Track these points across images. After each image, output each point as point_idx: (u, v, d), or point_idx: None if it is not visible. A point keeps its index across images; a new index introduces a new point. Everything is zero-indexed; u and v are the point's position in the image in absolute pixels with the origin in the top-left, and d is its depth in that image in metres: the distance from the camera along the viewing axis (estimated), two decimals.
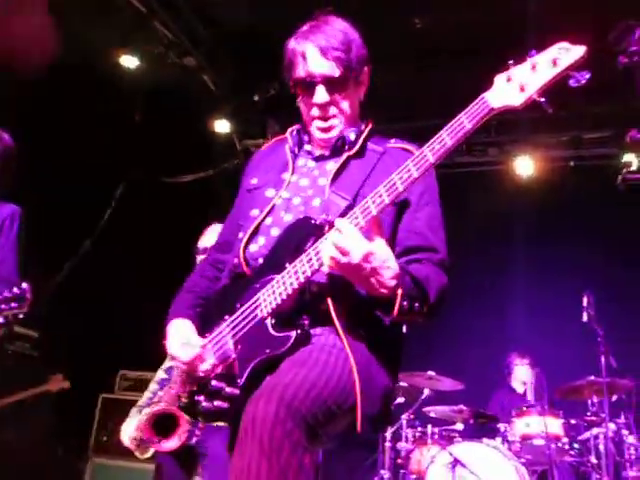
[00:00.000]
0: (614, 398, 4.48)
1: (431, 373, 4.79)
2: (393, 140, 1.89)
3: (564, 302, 4.70)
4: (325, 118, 1.83)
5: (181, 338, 1.78)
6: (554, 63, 1.42)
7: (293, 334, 1.62)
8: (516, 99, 1.47)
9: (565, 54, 1.41)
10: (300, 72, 1.81)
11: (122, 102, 5.78)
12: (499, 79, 1.51)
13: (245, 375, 1.65)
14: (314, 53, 1.78)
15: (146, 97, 5.94)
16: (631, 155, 1.57)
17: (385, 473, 4.67)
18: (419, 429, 4.75)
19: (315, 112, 1.83)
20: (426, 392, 4.84)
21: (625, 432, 4.35)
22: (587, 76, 1.40)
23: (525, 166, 6.20)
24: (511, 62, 1.49)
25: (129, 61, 5.43)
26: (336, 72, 1.77)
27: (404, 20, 5.22)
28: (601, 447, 4.15)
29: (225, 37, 5.68)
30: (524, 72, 1.46)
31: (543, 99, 1.45)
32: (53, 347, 5.04)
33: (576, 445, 4.55)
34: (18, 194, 3.41)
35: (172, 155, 6.24)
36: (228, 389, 1.68)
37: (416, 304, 1.58)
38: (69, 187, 5.50)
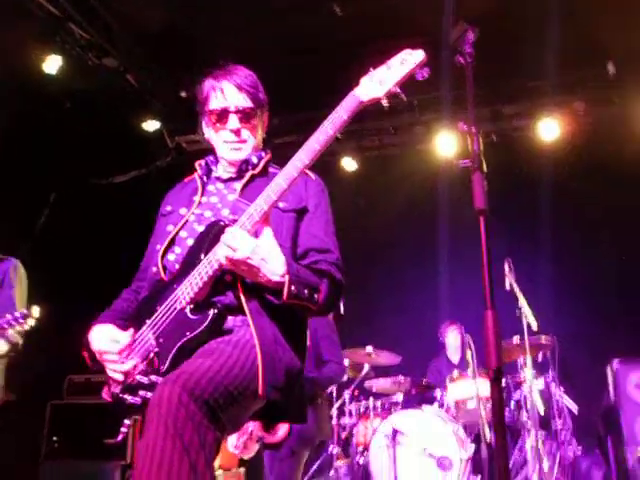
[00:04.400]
0: (540, 357, 4.77)
1: (369, 349, 4.98)
2: None
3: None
4: (237, 142, 2.08)
5: (108, 336, 1.90)
6: (402, 62, 1.81)
7: (211, 312, 1.80)
8: (378, 91, 1.81)
9: (410, 56, 1.81)
10: (217, 104, 2.07)
11: (48, 107, 5.74)
12: (364, 79, 1.85)
13: (167, 362, 1.79)
14: (230, 88, 2.07)
15: (71, 100, 5.91)
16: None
17: (334, 448, 4.86)
18: (362, 403, 4.95)
19: (229, 137, 2.09)
20: (366, 367, 5.04)
21: (553, 386, 4.65)
22: (427, 73, 1.79)
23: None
24: (371, 69, 1.84)
25: (50, 66, 5.39)
26: (248, 103, 2.07)
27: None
28: (528, 404, 4.42)
29: (143, 35, 5.70)
30: (382, 71, 1.83)
31: (399, 90, 1.82)
32: None
33: (511, 404, 4.83)
34: None
35: (104, 157, 6.23)
36: (153, 377, 1.80)
37: (305, 290, 1.79)
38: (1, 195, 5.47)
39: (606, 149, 5.81)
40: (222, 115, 2.06)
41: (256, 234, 1.78)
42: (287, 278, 1.75)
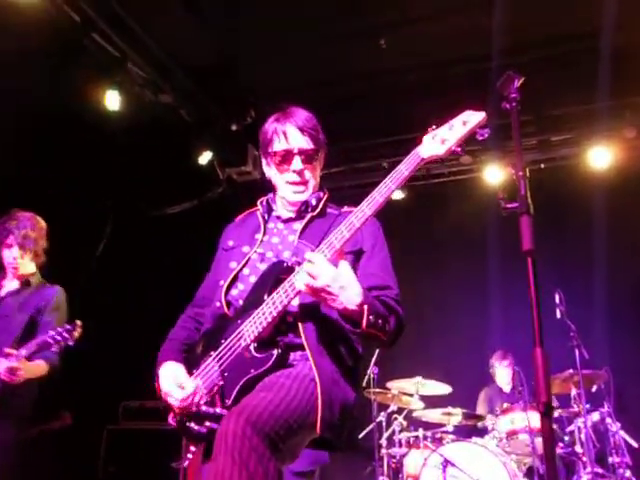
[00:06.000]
0: (594, 389, 4.66)
1: (419, 378, 4.97)
2: (346, 207, 2.25)
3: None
4: (300, 183, 2.18)
5: (174, 378, 2.02)
6: (464, 123, 1.90)
7: (275, 352, 1.90)
8: (439, 150, 1.91)
9: (471, 117, 1.90)
10: (280, 146, 2.17)
11: (106, 141, 6.00)
12: (426, 137, 1.94)
13: (233, 396, 1.88)
14: (293, 130, 2.17)
15: (128, 136, 6.16)
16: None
17: (384, 478, 4.84)
18: (412, 433, 4.92)
19: (292, 178, 2.18)
20: (416, 397, 5.02)
21: (608, 420, 4.53)
22: (487, 133, 1.89)
23: None
24: (434, 127, 1.94)
25: (111, 102, 5.64)
26: (310, 145, 2.17)
27: None
28: (583, 437, 4.32)
29: (196, 72, 5.94)
30: (444, 131, 1.93)
31: (459, 149, 1.92)
32: (56, 385, 5.21)
33: (566, 437, 4.72)
34: None
35: (158, 189, 6.47)
36: (218, 409, 1.90)
37: (379, 320, 1.86)
38: (61, 227, 5.72)
39: None
40: (286, 157, 2.16)
41: (333, 262, 1.85)
42: (366, 307, 1.82)
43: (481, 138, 1.90)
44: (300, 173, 2.16)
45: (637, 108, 6.03)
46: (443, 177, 6.93)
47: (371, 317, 1.81)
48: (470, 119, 1.89)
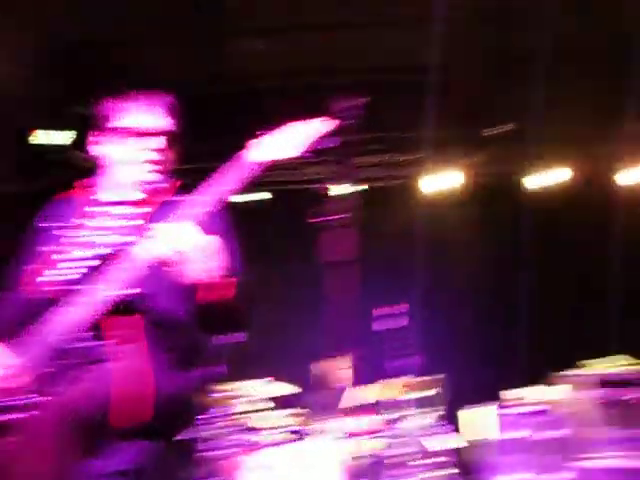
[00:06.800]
0: (425, 394, 4.90)
1: (261, 381, 5.03)
2: (186, 195, 2.13)
3: None
4: (153, 162, 2.07)
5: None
6: (300, 131, 1.91)
7: (106, 342, 1.82)
8: (273, 155, 1.91)
9: (308, 125, 1.92)
10: (134, 123, 2.05)
11: None
12: (256, 142, 1.92)
13: (58, 384, 1.78)
14: (148, 109, 2.08)
15: None
16: None
17: None
18: (244, 435, 4.85)
19: (142, 157, 2.06)
20: (255, 399, 5.01)
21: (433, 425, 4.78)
22: (327, 143, 1.91)
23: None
24: (269, 132, 1.91)
25: None
26: (165, 127, 2.08)
27: None
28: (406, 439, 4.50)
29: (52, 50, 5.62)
30: (278, 137, 1.92)
31: (299, 154, 1.91)
32: None
33: (390, 440, 4.89)
34: None
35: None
36: (38, 397, 1.77)
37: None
38: None
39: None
40: (140, 135, 2.06)
41: None
42: None
43: (320, 147, 1.93)
44: (152, 154, 2.07)
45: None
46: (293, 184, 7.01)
47: None
48: (307, 127, 1.92)
